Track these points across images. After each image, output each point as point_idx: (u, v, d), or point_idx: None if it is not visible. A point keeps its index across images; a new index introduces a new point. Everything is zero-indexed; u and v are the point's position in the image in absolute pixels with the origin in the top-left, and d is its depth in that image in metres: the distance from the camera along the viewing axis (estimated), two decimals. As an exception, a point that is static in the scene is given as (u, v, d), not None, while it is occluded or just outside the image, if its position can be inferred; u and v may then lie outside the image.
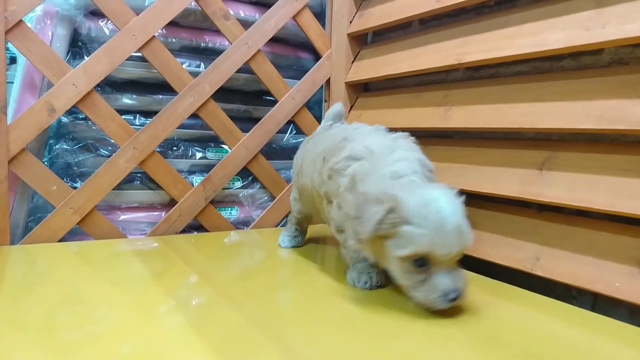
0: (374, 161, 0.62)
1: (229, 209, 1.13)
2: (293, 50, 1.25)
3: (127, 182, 1.01)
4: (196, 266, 0.77)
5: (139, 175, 1.03)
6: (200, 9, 1.03)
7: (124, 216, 1.02)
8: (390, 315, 0.58)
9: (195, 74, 1.02)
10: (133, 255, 0.81)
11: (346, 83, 1.18)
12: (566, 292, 0.73)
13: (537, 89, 0.75)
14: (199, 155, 1.10)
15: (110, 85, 1.01)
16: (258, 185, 1.16)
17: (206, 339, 0.49)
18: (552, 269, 0.69)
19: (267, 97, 1.22)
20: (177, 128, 1.01)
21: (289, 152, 1.20)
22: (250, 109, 1.18)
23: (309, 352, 0.47)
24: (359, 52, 1.20)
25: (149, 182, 1.03)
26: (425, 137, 0.83)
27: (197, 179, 1.08)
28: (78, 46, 1.00)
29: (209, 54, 1.10)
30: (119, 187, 0.97)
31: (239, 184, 1.14)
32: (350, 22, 1.18)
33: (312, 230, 1.00)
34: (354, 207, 0.56)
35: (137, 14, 0.94)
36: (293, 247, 0.91)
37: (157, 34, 0.98)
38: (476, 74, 0.91)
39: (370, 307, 0.61)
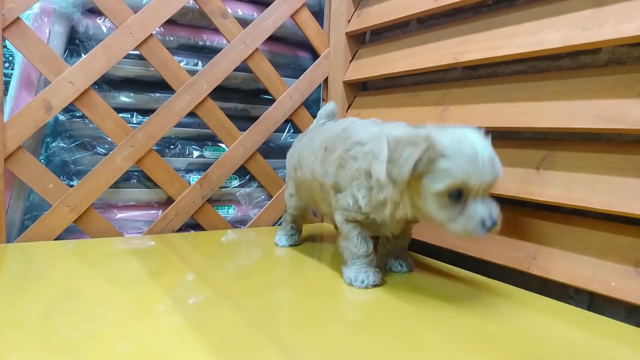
0: (381, 142, 0.65)
1: (226, 207, 1.13)
2: (291, 49, 1.25)
3: (124, 180, 1.01)
4: (193, 265, 0.77)
5: (135, 173, 1.03)
6: (198, 7, 1.03)
7: (120, 214, 1.02)
8: (387, 314, 0.58)
9: (192, 72, 1.01)
10: (130, 254, 0.81)
11: (344, 82, 1.18)
12: (563, 291, 0.73)
13: (535, 88, 0.75)
14: (196, 153, 1.10)
15: (108, 83, 1.01)
16: (255, 184, 1.16)
17: (204, 337, 0.49)
18: (549, 268, 0.70)
19: (265, 96, 1.22)
20: (175, 126, 1.02)
21: (286, 151, 1.19)
22: (248, 108, 1.18)
23: (306, 350, 0.47)
24: (357, 51, 1.20)
25: (146, 181, 1.03)
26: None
27: (194, 178, 1.08)
28: (75, 44, 0.99)
29: (207, 52, 1.10)
30: (115, 185, 0.97)
31: (236, 182, 1.14)
32: (349, 21, 1.18)
33: (308, 228, 1.00)
34: (388, 152, 0.57)
35: (135, 12, 0.94)
36: (290, 245, 0.91)
37: (154, 32, 0.97)
38: (474, 73, 0.91)
39: (367, 306, 0.61)
